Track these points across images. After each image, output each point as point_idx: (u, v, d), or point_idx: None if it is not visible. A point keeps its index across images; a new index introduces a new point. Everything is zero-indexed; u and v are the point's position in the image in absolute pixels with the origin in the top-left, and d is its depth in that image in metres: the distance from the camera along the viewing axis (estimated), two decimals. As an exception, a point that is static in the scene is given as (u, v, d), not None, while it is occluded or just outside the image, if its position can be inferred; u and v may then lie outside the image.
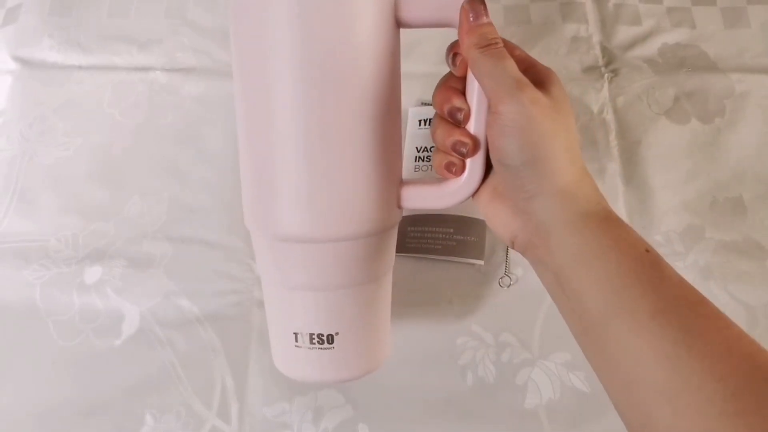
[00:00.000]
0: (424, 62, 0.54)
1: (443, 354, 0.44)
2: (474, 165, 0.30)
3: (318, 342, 0.32)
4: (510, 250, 0.47)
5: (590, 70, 0.55)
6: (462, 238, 0.46)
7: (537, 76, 0.29)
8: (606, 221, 0.27)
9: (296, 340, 0.32)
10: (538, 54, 0.55)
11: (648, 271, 0.25)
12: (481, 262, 0.46)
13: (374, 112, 0.29)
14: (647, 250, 0.26)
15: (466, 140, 0.29)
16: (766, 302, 0.46)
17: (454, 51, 0.30)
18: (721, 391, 0.22)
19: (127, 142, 0.52)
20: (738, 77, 0.54)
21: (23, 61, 0.55)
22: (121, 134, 0.52)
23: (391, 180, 0.31)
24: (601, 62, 0.55)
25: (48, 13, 0.57)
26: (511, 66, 0.27)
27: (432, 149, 0.48)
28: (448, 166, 0.31)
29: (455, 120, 0.30)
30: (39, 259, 0.47)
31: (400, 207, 0.32)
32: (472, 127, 0.30)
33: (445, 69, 0.32)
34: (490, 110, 0.28)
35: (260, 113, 0.29)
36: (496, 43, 0.28)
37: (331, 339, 0.32)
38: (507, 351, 0.44)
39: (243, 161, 0.31)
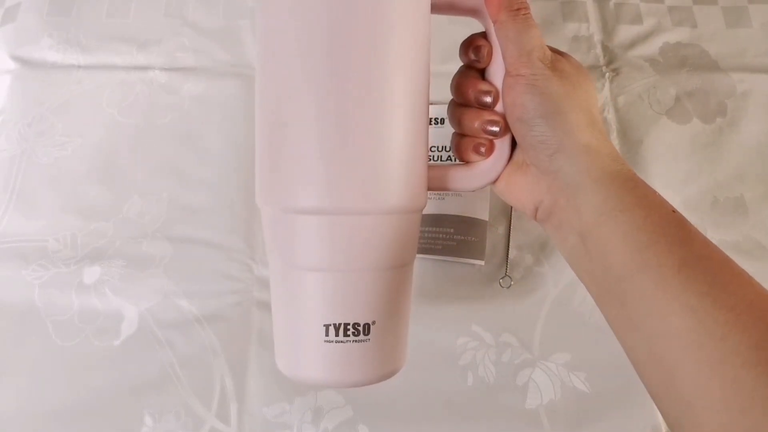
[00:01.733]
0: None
1: (444, 354, 0.44)
2: (503, 144, 0.31)
3: (353, 333, 0.29)
4: (510, 250, 0.47)
5: (591, 69, 0.54)
6: (462, 238, 0.46)
7: (555, 52, 0.30)
8: (632, 180, 0.28)
9: (326, 334, 0.29)
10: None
11: (674, 229, 0.26)
12: (482, 263, 0.46)
13: (408, 85, 0.29)
14: (673, 211, 0.27)
15: (498, 119, 0.30)
16: (767, 302, 0.46)
17: (476, 44, 0.31)
18: (746, 341, 0.22)
19: (127, 142, 0.52)
20: (739, 77, 0.54)
21: (22, 61, 0.55)
22: (121, 134, 0.52)
23: (420, 158, 0.30)
24: (602, 61, 0.55)
25: (47, 12, 0.57)
26: (536, 34, 0.29)
27: (437, 148, 0.48)
28: (477, 148, 0.31)
29: (483, 103, 0.31)
30: (38, 259, 0.47)
31: (430, 188, 0.32)
32: (498, 108, 0.31)
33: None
34: (510, 73, 0.29)
35: (289, 75, 0.28)
36: (526, 8, 0.29)
37: (367, 329, 0.29)
38: (507, 351, 0.44)
39: (271, 133, 0.29)
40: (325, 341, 0.29)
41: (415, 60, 0.29)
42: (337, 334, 0.29)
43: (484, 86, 0.31)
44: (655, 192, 0.28)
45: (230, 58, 0.55)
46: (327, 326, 0.29)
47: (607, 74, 0.54)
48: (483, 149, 0.31)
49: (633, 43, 0.56)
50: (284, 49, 0.28)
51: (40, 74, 0.54)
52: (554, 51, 0.30)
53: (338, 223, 0.28)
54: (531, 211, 0.31)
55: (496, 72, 0.31)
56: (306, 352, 0.30)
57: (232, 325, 0.45)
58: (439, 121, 0.49)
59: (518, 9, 0.29)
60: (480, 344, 0.45)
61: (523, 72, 0.28)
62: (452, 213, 0.46)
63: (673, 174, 0.50)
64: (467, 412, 0.43)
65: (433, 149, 0.48)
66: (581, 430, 0.42)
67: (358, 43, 0.27)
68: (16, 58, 0.55)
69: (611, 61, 0.55)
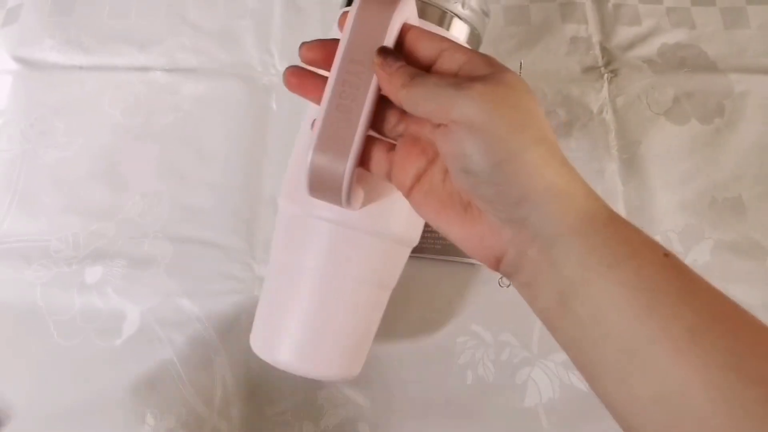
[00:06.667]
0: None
1: (443, 353, 0.44)
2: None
3: None
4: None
5: (590, 70, 0.55)
6: (462, 238, 0.46)
7: (482, 69, 0.25)
8: (613, 222, 0.23)
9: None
10: (537, 54, 0.55)
11: (675, 281, 0.22)
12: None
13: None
14: (666, 255, 0.22)
15: None
16: (765, 302, 0.46)
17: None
18: None
19: (128, 143, 0.52)
20: (737, 77, 0.54)
21: (24, 61, 0.55)
22: (122, 134, 0.52)
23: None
24: (600, 62, 0.55)
25: (49, 13, 0.57)
26: (437, 78, 0.25)
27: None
28: None
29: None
30: (40, 259, 0.47)
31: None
32: None
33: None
34: (438, 128, 0.25)
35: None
36: (418, 72, 0.25)
37: None
38: (506, 350, 0.45)
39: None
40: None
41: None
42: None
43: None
44: (640, 232, 0.23)
45: (230, 58, 0.55)
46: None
47: (606, 75, 0.54)
48: None
49: (631, 44, 0.56)
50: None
51: (42, 75, 0.54)
52: (478, 68, 0.24)
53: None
54: (491, 263, 0.26)
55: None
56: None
57: (233, 324, 0.45)
58: None
59: (412, 78, 0.24)
60: (479, 343, 0.45)
61: (452, 117, 0.23)
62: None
63: (671, 175, 0.50)
64: (466, 411, 0.43)
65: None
66: (580, 429, 0.42)
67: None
68: (18, 59, 0.55)
69: (610, 62, 0.55)
